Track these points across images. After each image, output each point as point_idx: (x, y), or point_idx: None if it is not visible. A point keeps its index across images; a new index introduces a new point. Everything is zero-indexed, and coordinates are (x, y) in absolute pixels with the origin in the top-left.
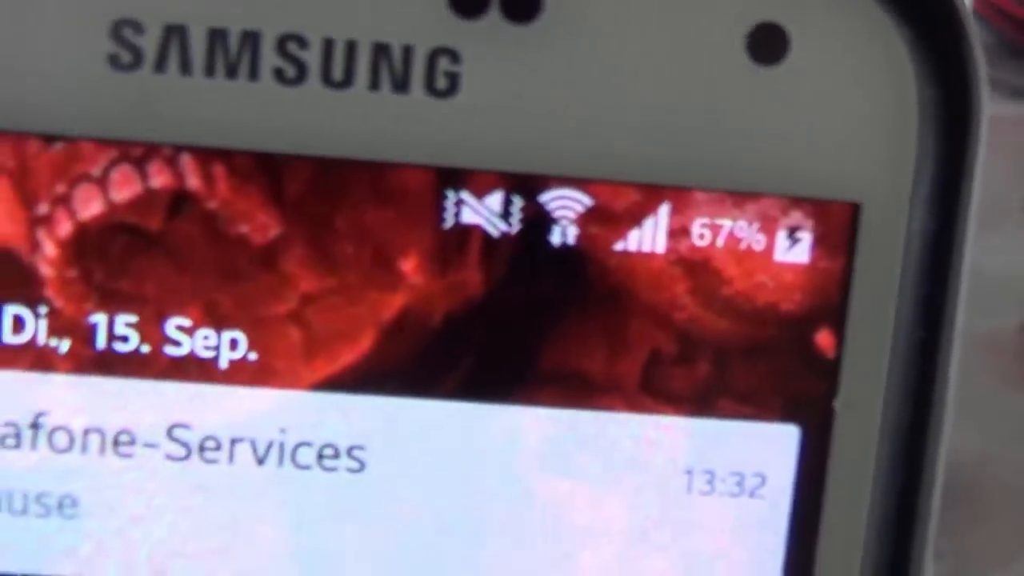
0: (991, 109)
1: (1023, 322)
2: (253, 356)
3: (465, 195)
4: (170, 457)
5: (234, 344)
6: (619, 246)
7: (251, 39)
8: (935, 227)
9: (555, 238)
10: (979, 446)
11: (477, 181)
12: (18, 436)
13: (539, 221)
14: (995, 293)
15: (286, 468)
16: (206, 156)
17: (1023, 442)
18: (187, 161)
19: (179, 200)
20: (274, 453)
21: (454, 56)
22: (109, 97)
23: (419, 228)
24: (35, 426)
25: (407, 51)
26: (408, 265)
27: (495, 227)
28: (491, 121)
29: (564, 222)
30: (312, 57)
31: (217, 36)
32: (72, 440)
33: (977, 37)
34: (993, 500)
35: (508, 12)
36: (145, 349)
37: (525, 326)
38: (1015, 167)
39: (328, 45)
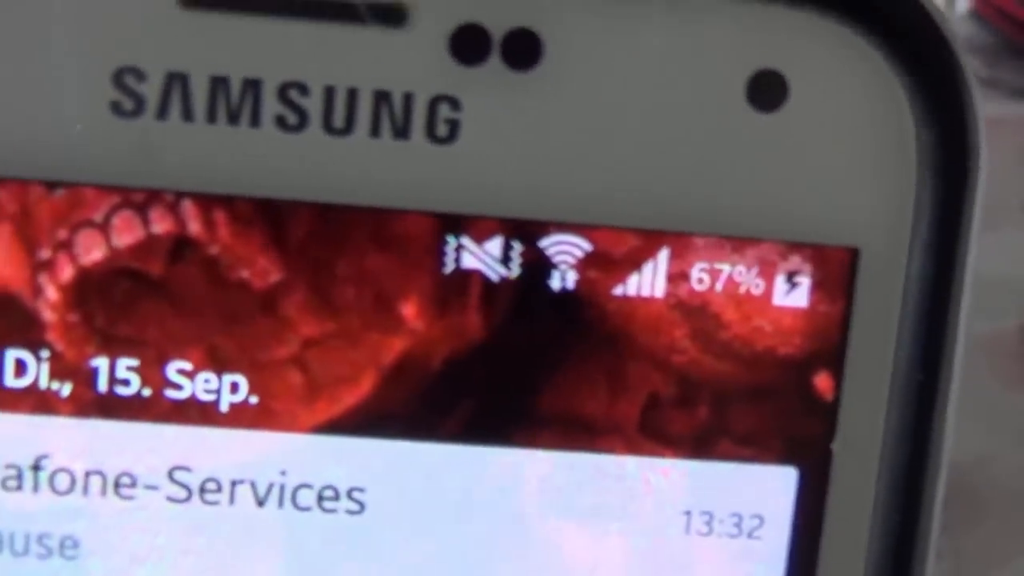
0: (992, 109)
1: (1023, 322)
2: (254, 399)
3: (465, 240)
4: (171, 499)
5: (235, 387)
6: (618, 291)
7: (252, 86)
8: (934, 270)
9: (555, 283)
10: (979, 446)
11: (477, 227)
12: (20, 478)
13: (539, 266)
14: (995, 293)
15: (286, 510)
16: (207, 202)
17: (1023, 443)
18: (188, 207)
19: (180, 245)
20: (274, 495)
21: (454, 103)
22: (111, 143)
23: (420, 273)
24: (37, 468)
25: (408, 98)
26: (409, 310)
27: (495, 272)
28: (491, 167)
29: (564, 267)
30: (313, 104)
31: (219, 83)
32: (73, 482)
33: (975, 81)
34: (992, 500)
35: (508, 59)
36: (146, 392)
37: (525, 370)
38: (1015, 168)
39: (329, 92)
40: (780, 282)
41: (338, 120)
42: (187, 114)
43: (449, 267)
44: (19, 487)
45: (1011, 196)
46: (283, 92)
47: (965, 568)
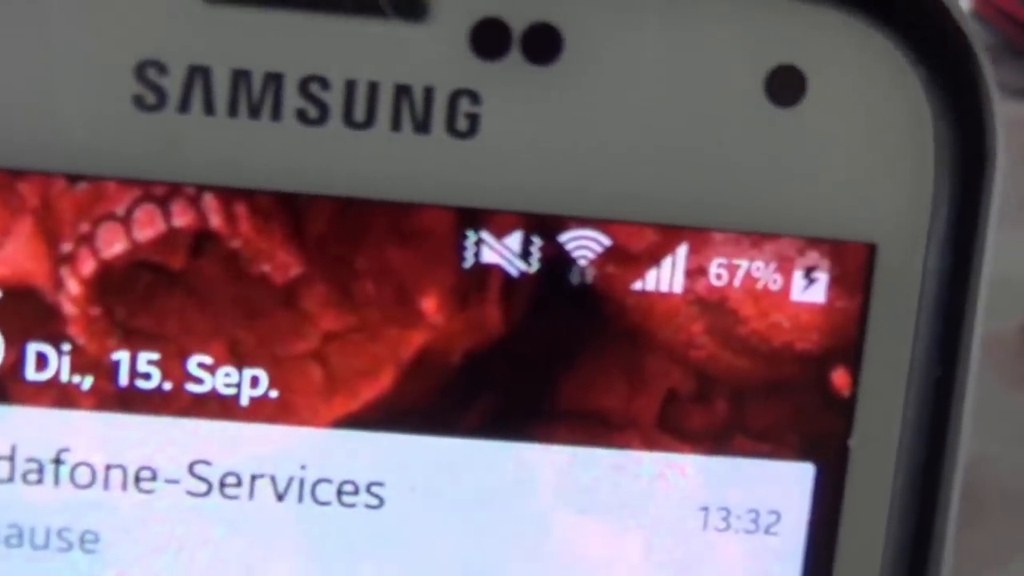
0: None
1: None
2: (274, 393)
3: (485, 235)
4: (191, 493)
5: (255, 381)
6: (637, 286)
7: (274, 80)
8: (951, 266)
9: (574, 278)
10: (979, 446)
11: (497, 221)
12: (40, 472)
13: (558, 261)
14: (995, 293)
15: (306, 504)
16: (229, 196)
17: (1023, 443)
18: (210, 200)
19: (202, 239)
20: (294, 489)
21: (475, 97)
22: (134, 137)
23: (439, 267)
24: (57, 462)
25: (428, 92)
26: (428, 304)
27: (515, 267)
28: (511, 162)
29: (583, 262)
30: (334, 98)
31: (240, 77)
32: (94, 476)
33: (993, 78)
34: (992, 500)
35: (528, 54)
36: (167, 386)
37: (544, 364)
38: (1016, 167)
39: (350, 86)
40: (798, 278)
41: (359, 114)
42: (209, 108)
43: (469, 261)
44: (40, 481)
45: (1012, 196)
46: (304, 86)
47: (965, 568)
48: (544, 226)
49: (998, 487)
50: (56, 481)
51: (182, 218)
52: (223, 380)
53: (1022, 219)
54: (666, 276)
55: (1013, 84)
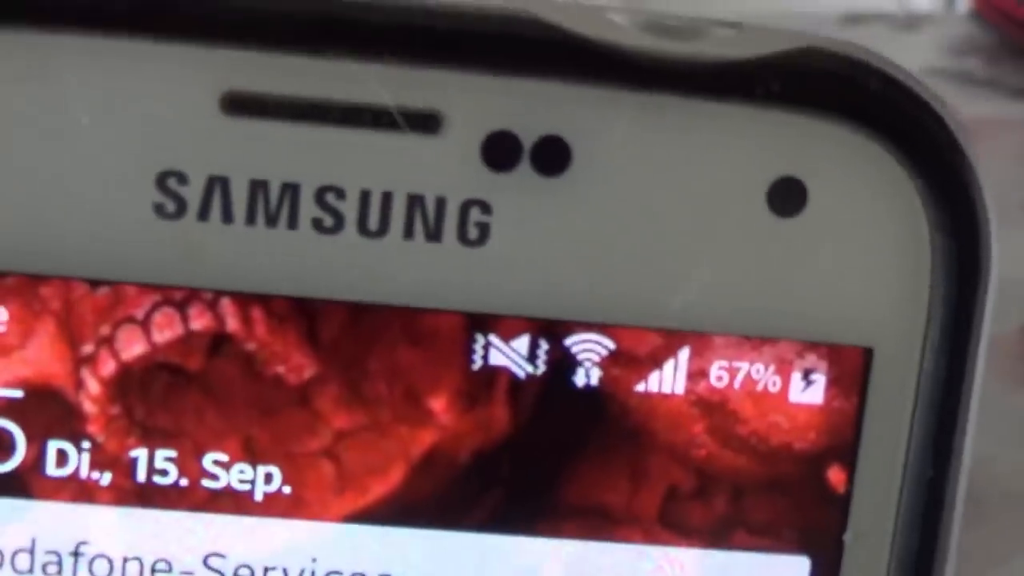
0: (992, 109)
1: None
2: (287, 489)
3: (493, 338)
4: None
5: (269, 478)
6: (640, 387)
7: (291, 190)
8: (945, 371)
9: (579, 380)
10: (979, 447)
11: (505, 326)
12: (59, 564)
13: (564, 363)
14: (995, 294)
15: None
16: (245, 300)
17: (1023, 443)
18: (227, 305)
19: (218, 342)
20: None
21: (485, 207)
22: (154, 244)
23: (449, 369)
24: (76, 554)
25: (440, 202)
26: (438, 404)
27: (522, 369)
28: (520, 269)
29: (588, 365)
30: (349, 208)
31: (258, 187)
32: (111, 568)
33: (988, 189)
34: (992, 500)
35: (538, 166)
36: (184, 482)
37: (549, 463)
38: (1015, 167)
39: (365, 196)
40: (796, 379)
41: (373, 223)
42: (227, 216)
43: (478, 364)
44: (59, 573)
45: (1011, 196)
46: (320, 196)
47: (965, 568)
48: (551, 330)
49: (998, 487)
50: (74, 573)
51: (199, 321)
52: (238, 476)
53: (1022, 219)
54: (668, 378)
55: (1013, 84)
